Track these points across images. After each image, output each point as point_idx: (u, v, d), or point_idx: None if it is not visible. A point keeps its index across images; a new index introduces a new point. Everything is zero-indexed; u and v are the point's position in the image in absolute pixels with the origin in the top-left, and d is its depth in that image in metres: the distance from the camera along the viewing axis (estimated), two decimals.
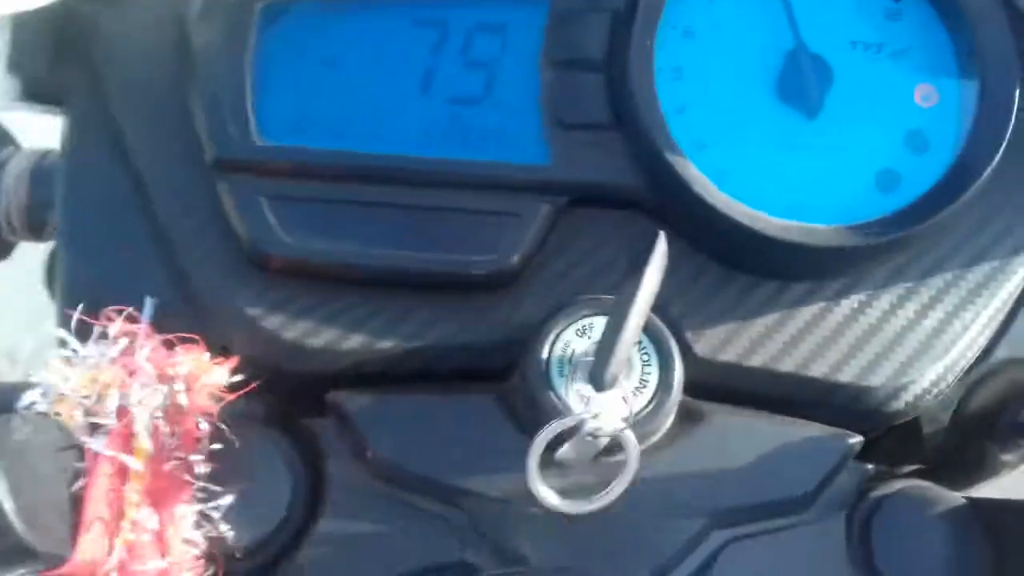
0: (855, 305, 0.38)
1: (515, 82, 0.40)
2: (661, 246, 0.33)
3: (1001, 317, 0.39)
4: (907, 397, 0.38)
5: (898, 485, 0.37)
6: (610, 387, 0.32)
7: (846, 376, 0.37)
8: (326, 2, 0.41)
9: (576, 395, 0.33)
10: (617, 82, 0.39)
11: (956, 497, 0.36)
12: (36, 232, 0.47)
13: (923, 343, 0.38)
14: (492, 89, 0.40)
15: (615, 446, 0.33)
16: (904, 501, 0.36)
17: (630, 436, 0.33)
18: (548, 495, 0.32)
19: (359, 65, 0.41)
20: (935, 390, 0.38)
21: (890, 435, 0.41)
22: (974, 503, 0.36)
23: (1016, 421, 0.37)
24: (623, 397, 0.34)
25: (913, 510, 0.36)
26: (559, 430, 0.33)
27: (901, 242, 0.38)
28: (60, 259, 0.42)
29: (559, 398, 0.34)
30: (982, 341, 0.39)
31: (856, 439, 0.36)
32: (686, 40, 0.40)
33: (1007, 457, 0.40)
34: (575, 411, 0.33)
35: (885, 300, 0.39)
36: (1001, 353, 0.40)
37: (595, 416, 0.32)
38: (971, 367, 0.39)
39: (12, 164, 0.47)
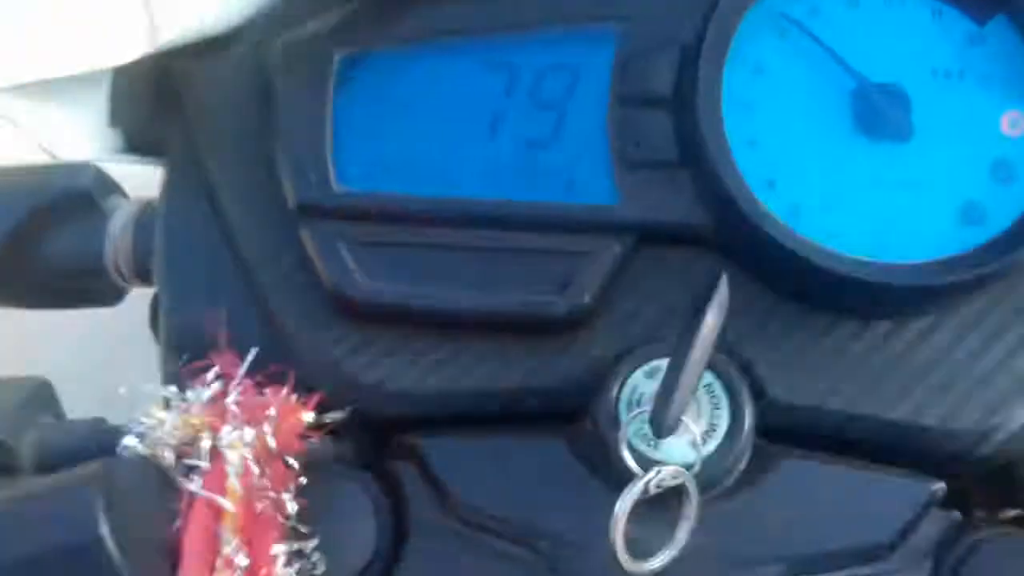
0: (941, 344, 0.37)
1: (584, 122, 0.41)
2: (722, 289, 0.33)
3: None
4: (996, 440, 0.36)
5: (991, 532, 0.35)
6: (671, 433, 0.32)
7: (930, 419, 0.36)
8: (400, 50, 0.43)
9: (642, 441, 0.34)
10: (684, 118, 0.39)
11: None
12: (144, 278, 0.51)
13: (1013, 385, 0.36)
14: (561, 130, 0.41)
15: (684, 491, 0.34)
16: (996, 548, 0.35)
17: (691, 487, 0.33)
18: (629, 564, 0.33)
19: (432, 110, 0.42)
20: None
21: (989, 480, 0.39)
22: None
23: None
24: (691, 442, 0.34)
25: (1006, 558, 0.34)
26: (636, 497, 0.33)
27: (987, 278, 0.37)
28: (160, 305, 0.45)
29: (627, 442, 0.35)
30: None
31: (938, 485, 0.35)
32: (756, 76, 0.40)
33: None
34: (640, 457, 0.33)
35: (973, 340, 0.37)
36: None
37: (658, 468, 0.32)
38: None
39: (119, 214, 0.51)
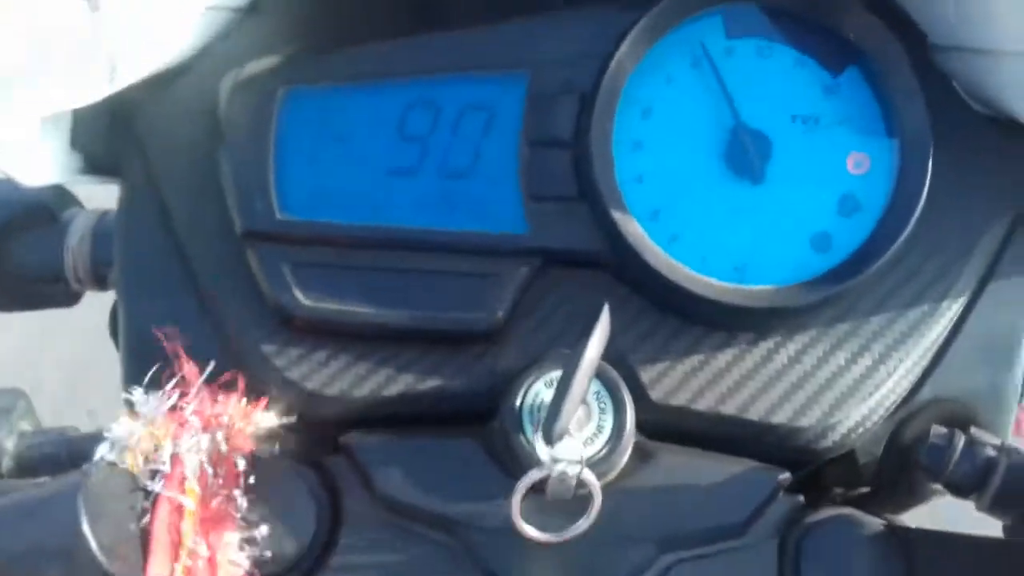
0: (791, 354, 0.44)
1: (498, 158, 0.46)
2: (604, 319, 0.39)
3: (924, 363, 0.45)
4: (835, 436, 0.44)
5: (827, 513, 0.43)
6: (559, 440, 0.39)
7: (780, 418, 0.44)
8: (337, 88, 0.47)
9: (541, 444, 0.40)
10: (581, 158, 0.45)
11: (878, 523, 0.42)
12: (100, 283, 0.55)
13: (850, 388, 0.44)
14: (478, 164, 0.47)
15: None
16: (831, 526, 0.42)
17: (591, 476, 0.39)
18: (530, 531, 0.40)
19: (364, 144, 0.47)
20: (861, 429, 0.44)
21: (834, 465, 0.47)
22: (893, 529, 0.42)
23: (923, 457, 0.43)
24: (584, 440, 0.41)
25: (838, 534, 0.42)
26: (533, 480, 0.40)
27: (832, 300, 0.44)
28: (119, 315, 0.50)
29: (529, 444, 0.41)
30: (906, 384, 0.44)
31: (785, 474, 0.43)
32: (645, 118, 0.46)
33: (934, 486, 0.46)
34: (541, 458, 0.40)
35: (819, 349, 0.44)
36: (927, 393, 0.45)
37: (556, 464, 0.39)
38: (899, 407, 0.45)
39: (76, 224, 0.55)
